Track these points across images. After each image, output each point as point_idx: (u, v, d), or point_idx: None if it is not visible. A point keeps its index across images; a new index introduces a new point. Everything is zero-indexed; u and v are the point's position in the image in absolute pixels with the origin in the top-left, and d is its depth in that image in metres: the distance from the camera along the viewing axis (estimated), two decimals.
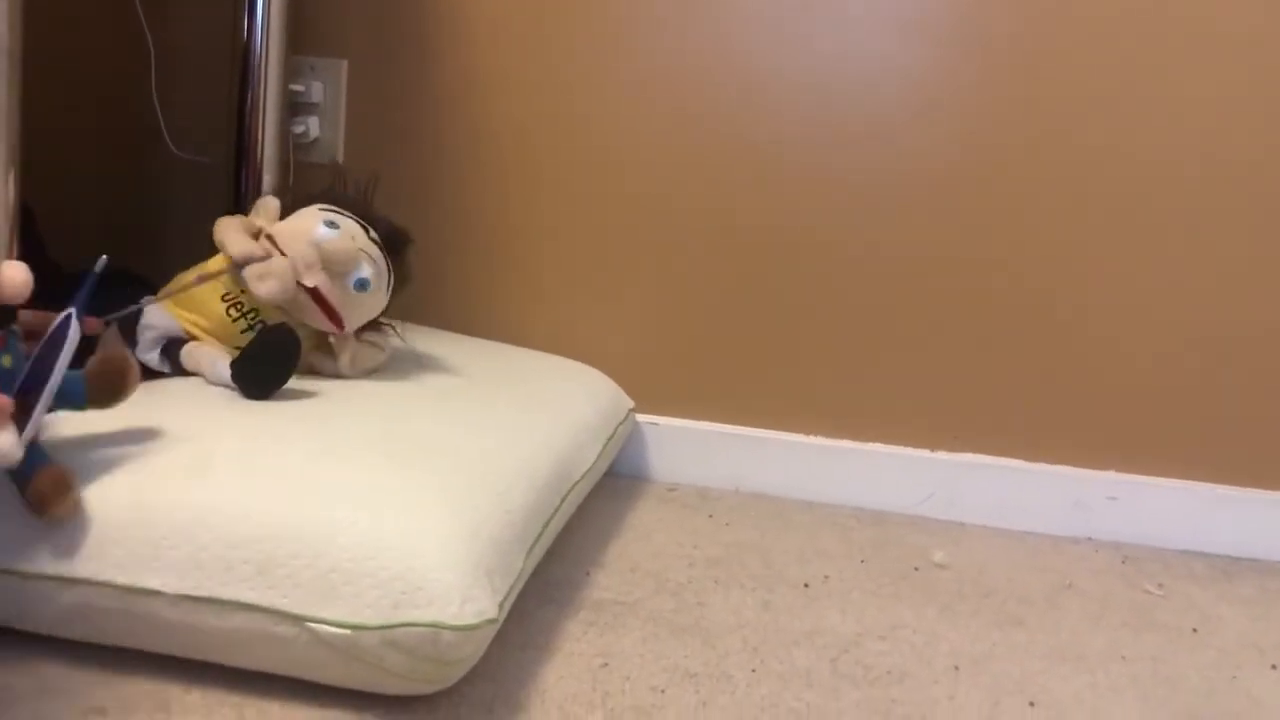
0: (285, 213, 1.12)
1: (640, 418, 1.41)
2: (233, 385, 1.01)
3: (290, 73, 1.38)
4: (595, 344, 1.42)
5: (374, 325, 1.15)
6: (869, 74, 1.33)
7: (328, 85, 1.45)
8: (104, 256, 0.84)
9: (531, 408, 1.15)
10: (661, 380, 1.42)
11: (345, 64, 1.44)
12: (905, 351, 1.37)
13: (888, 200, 1.34)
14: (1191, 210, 1.29)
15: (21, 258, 0.84)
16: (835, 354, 1.38)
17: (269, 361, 1.01)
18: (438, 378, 1.17)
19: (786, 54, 1.34)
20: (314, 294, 1.05)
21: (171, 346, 1.08)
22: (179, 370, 1.06)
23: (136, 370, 0.85)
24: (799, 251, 1.37)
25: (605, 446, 1.23)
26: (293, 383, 1.03)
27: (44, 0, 0.96)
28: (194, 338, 1.07)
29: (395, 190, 1.25)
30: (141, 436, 0.89)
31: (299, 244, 1.05)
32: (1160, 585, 1.22)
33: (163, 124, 1.41)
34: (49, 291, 0.82)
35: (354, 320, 1.11)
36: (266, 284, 1.02)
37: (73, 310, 0.81)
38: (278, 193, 1.20)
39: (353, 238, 1.07)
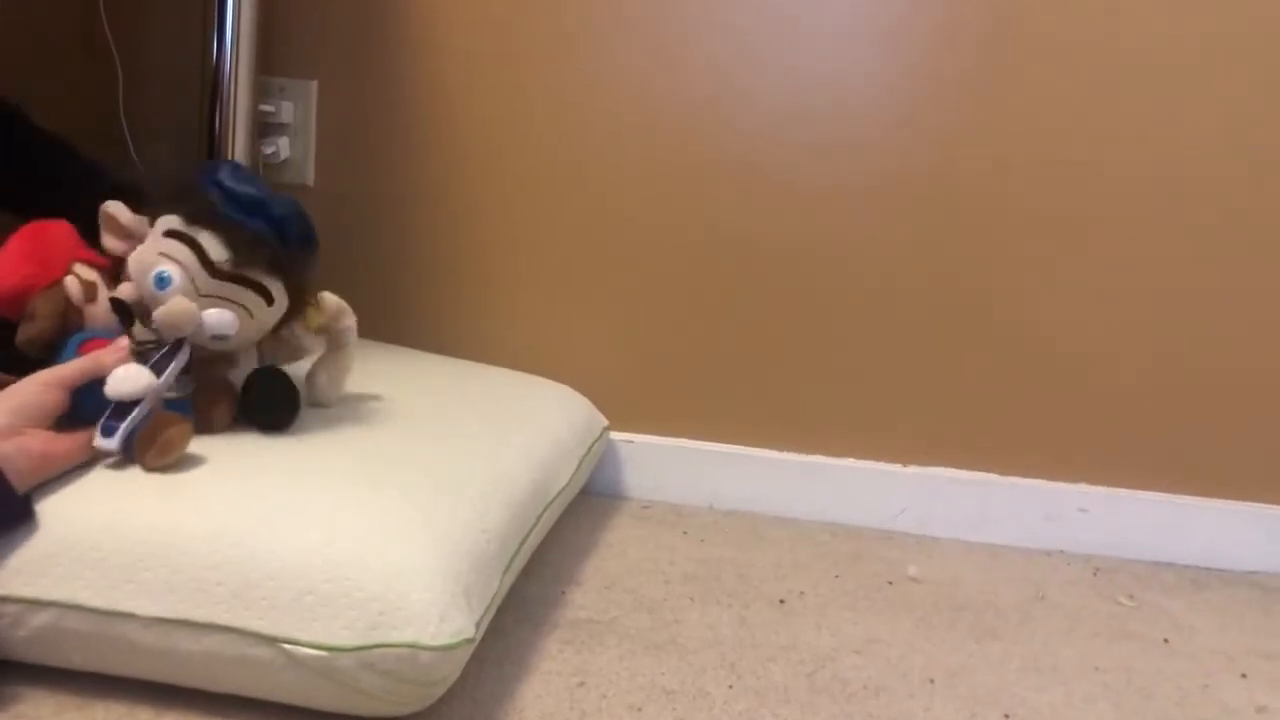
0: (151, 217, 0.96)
1: (615, 435, 1.41)
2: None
3: (260, 93, 1.37)
4: (569, 362, 1.42)
5: (287, 327, 1.01)
6: (841, 88, 1.34)
7: (298, 106, 1.44)
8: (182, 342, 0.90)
9: (506, 426, 1.15)
10: (636, 398, 1.42)
11: (315, 84, 1.44)
12: (878, 367, 1.38)
13: (860, 216, 1.35)
14: (1160, 224, 1.31)
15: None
16: (808, 370, 1.39)
17: (273, 405, 0.98)
18: (412, 397, 1.17)
19: (760, 68, 1.35)
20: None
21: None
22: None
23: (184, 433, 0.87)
24: (771, 268, 1.38)
25: (580, 465, 1.23)
26: None
27: (9, 22, 0.95)
28: None
29: (366, 210, 1.24)
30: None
31: (147, 299, 0.92)
32: (1131, 596, 1.23)
33: (130, 145, 1.40)
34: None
35: (238, 348, 0.98)
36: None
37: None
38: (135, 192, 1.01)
39: (190, 278, 0.90)
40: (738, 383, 1.40)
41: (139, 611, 0.77)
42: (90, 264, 0.92)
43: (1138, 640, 1.11)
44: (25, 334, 0.90)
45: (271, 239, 0.92)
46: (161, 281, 0.89)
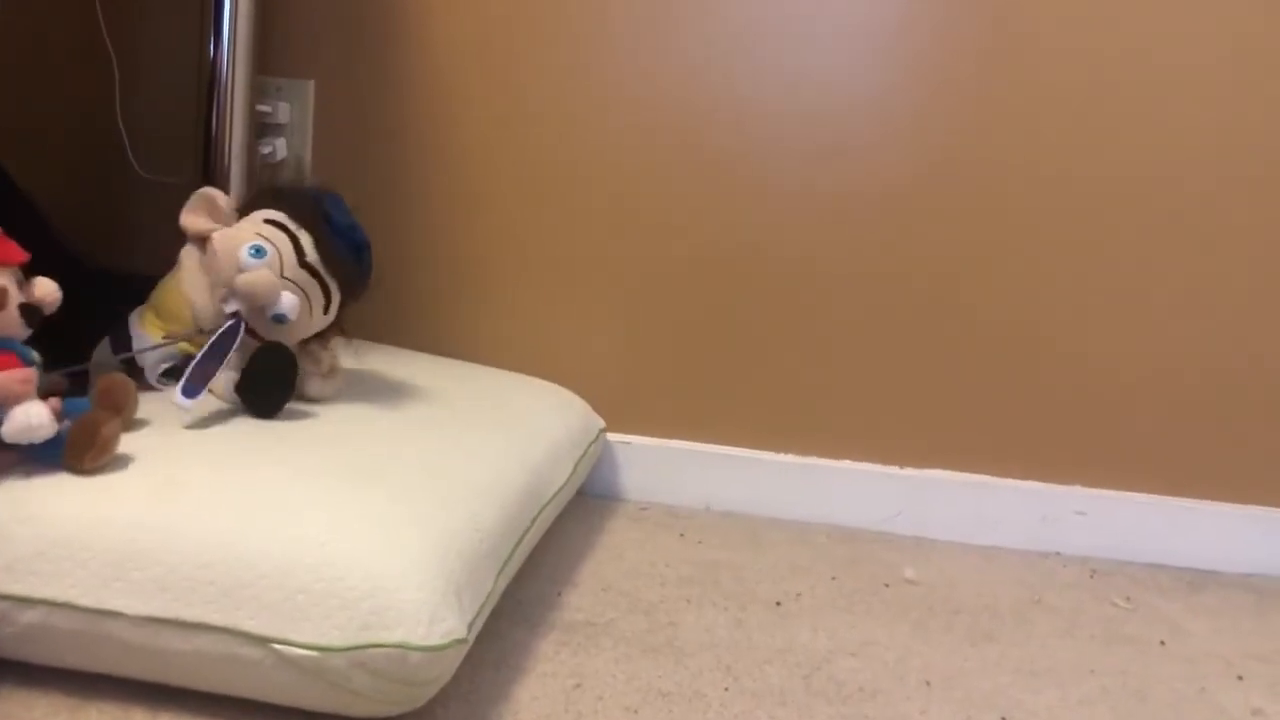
0: (244, 203, 1.10)
1: (611, 437, 1.41)
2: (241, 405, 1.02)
3: (257, 93, 1.37)
4: (566, 363, 1.41)
5: (320, 341, 1.11)
6: (841, 93, 1.34)
7: (294, 106, 1.44)
8: (240, 320, 1.02)
9: (502, 427, 1.15)
10: (632, 399, 1.42)
11: (312, 84, 1.44)
12: (874, 368, 1.38)
13: (856, 219, 1.35)
14: (1155, 226, 1.31)
15: (30, 247, 0.89)
16: (804, 372, 1.39)
17: (269, 381, 1.02)
18: (407, 398, 1.17)
19: (756, 74, 1.34)
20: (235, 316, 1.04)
21: (176, 368, 1.07)
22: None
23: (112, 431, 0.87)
24: (767, 270, 1.37)
25: (576, 466, 1.23)
26: None
27: (6, 22, 0.95)
28: (190, 354, 1.05)
29: (362, 210, 1.24)
30: None
31: (226, 267, 1.03)
32: (1128, 598, 1.23)
33: (128, 145, 1.40)
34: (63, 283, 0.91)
35: (283, 340, 1.06)
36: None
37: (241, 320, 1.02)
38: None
39: (280, 260, 1.03)
40: (734, 384, 1.40)
41: (128, 610, 0.77)
42: (3, 263, 0.87)
43: (1134, 643, 1.11)
44: None
45: (352, 261, 1.08)
46: (258, 252, 1.02)
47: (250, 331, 1.04)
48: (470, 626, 0.82)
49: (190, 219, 1.08)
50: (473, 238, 1.43)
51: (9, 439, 0.82)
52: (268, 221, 1.05)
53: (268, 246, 1.03)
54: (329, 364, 1.10)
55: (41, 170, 1.41)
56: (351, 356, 1.20)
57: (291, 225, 1.05)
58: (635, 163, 1.38)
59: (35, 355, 0.88)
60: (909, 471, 1.38)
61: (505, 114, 1.40)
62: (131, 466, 0.86)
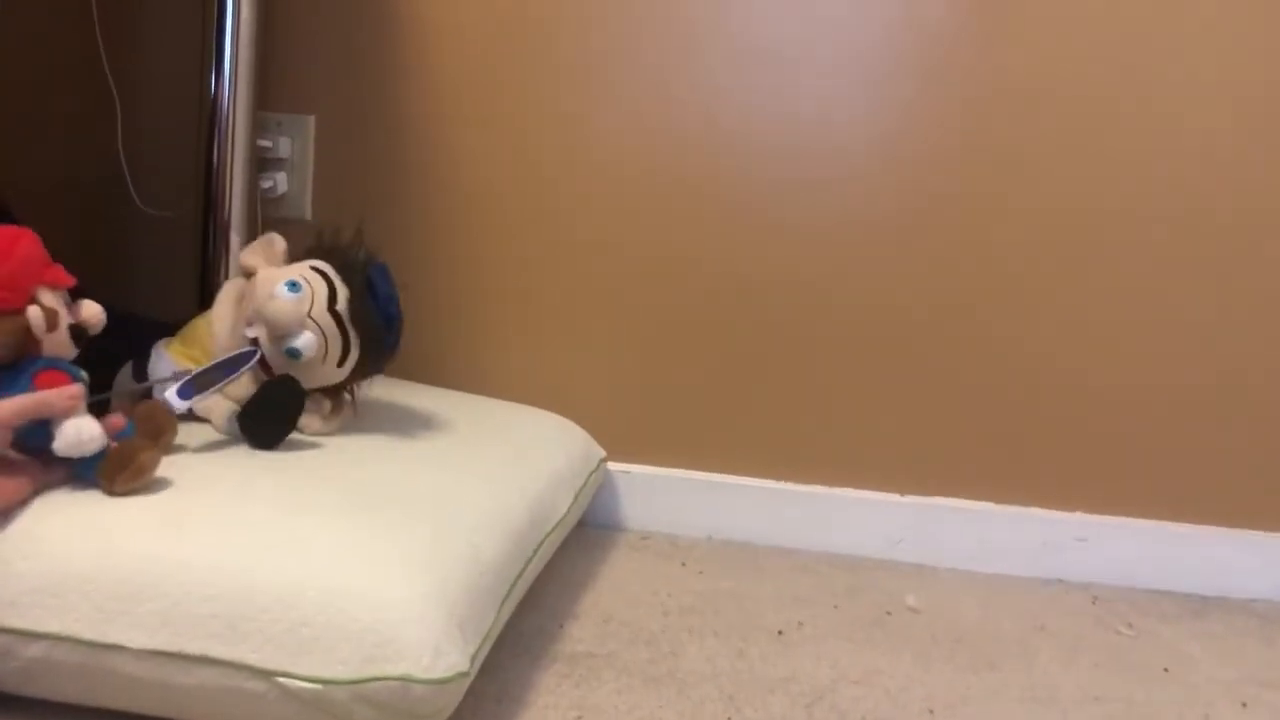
0: (297, 250, 1.14)
1: (612, 466, 1.41)
2: (240, 436, 1.03)
3: (257, 128, 1.38)
4: (565, 393, 1.42)
5: (326, 393, 1.12)
6: (837, 124, 1.35)
7: (295, 141, 1.45)
8: (257, 348, 1.05)
9: (503, 458, 1.15)
10: (632, 429, 1.42)
11: (312, 119, 1.45)
12: (874, 396, 1.38)
13: (855, 247, 1.36)
14: (1153, 254, 1.32)
15: None
16: (805, 400, 1.39)
17: (272, 413, 1.04)
18: (408, 429, 1.17)
19: (750, 105, 1.35)
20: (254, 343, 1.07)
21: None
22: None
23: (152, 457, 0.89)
24: (767, 298, 1.38)
25: (577, 496, 1.23)
26: None
27: (10, 57, 0.96)
28: None
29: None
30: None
31: (261, 294, 1.06)
32: (1131, 625, 1.22)
33: (129, 180, 1.41)
34: None
35: (301, 372, 1.08)
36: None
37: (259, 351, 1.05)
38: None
39: (312, 299, 1.06)
40: (735, 413, 1.40)
41: (131, 644, 0.77)
42: (54, 285, 0.90)
43: (1137, 670, 1.11)
44: None
45: (381, 327, 1.10)
46: (293, 287, 1.06)
47: (264, 364, 1.07)
48: (473, 659, 0.82)
49: (248, 256, 1.12)
50: (473, 269, 1.44)
51: (61, 452, 0.85)
52: (313, 268, 1.09)
53: (304, 285, 1.06)
54: (330, 407, 1.11)
55: (44, 204, 1.42)
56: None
57: (334, 276, 1.09)
58: (634, 194, 1.39)
59: (84, 374, 0.91)
60: (910, 499, 1.38)
61: (503, 148, 1.41)
62: (135, 499, 0.86)
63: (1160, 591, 1.34)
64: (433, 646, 0.77)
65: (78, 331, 0.91)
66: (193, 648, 0.77)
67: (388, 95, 1.43)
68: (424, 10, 1.41)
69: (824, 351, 1.38)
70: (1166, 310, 1.32)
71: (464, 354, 1.45)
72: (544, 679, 0.98)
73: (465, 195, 1.43)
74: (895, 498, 1.38)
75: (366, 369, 1.13)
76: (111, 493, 0.86)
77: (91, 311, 0.93)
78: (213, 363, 1.04)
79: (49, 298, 0.89)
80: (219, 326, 1.11)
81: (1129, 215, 1.31)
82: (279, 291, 1.05)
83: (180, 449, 0.99)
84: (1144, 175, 1.31)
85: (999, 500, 1.37)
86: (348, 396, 1.14)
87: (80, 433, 0.85)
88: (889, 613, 1.20)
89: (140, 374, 1.11)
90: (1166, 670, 1.11)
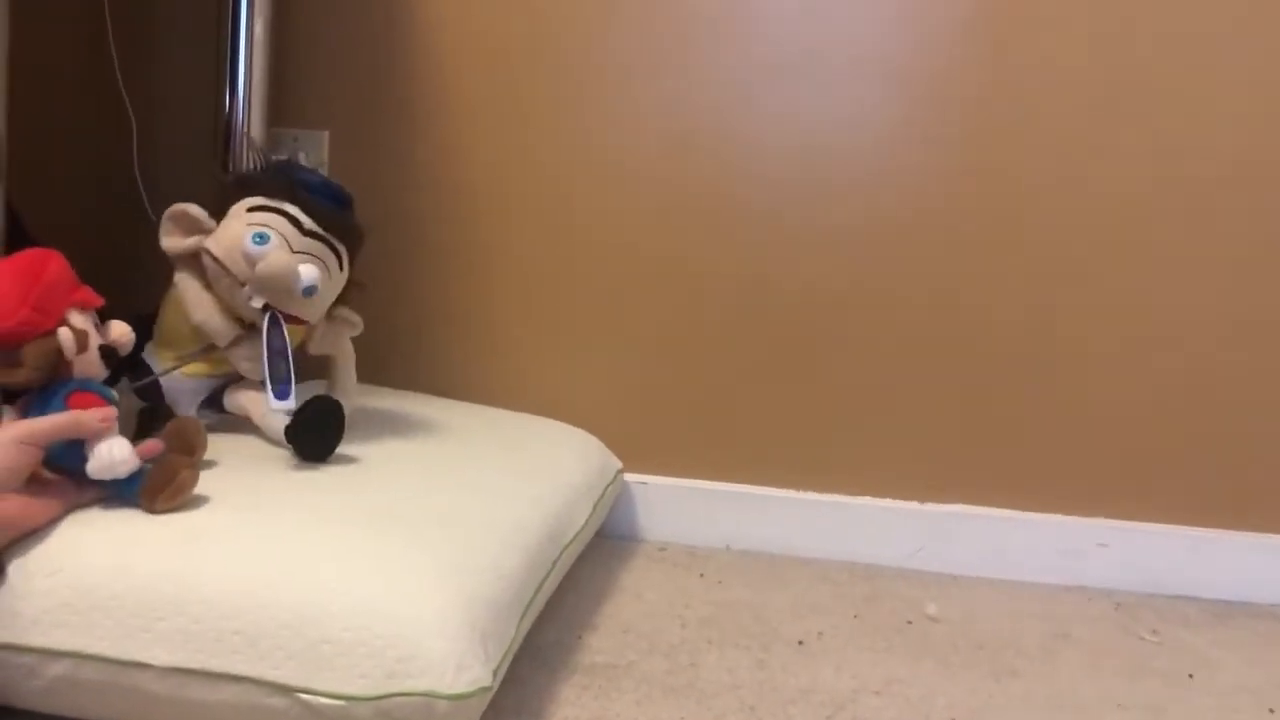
0: (216, 206, 1.09)
1: (629, 477, 1.41)
2: (285, 443, 1.04)
3: (272, 144, 1.39)
4: (582, 405, 1.42)
5: (341, 298, 1.14)
6: (847, 128, 1.35)
7: (310, 157, 1.46)
8: (273, 311, 1.05)
9: (520, 471, 1.15)
10: (649, 439, 1.42)
11: (326, 135, 1.46)
12: (892, 404, 1.37)
13: (870, 253, 1.36)
14: (1174, 255, 1.31)
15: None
16: (822, 408, 1.39)
17: (322, 429, 1.04)
18: (425, 443, 1.17)
19: (768, 110, 1.36)
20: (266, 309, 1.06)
21: (212, 399, 1.10)
22: (225, 412, 1.11)
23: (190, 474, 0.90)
24: (782, 307, 1.38)
25: (595, 508, 1.23)
26: (282, 455, 1.03)
27: (25, 79, 0.97)
28: (211, 375, 1.10)
29: (377, 258, 1.25)
30: (130, 504, 0.88)
31: (237, 265, 1.04)
32: (1154, 631, 1.22)
33: (145, 199, 1.42)
34: None
35: (317, 311, 1.10)
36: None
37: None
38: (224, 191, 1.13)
39: (285, 239, 1.05)
40: (751, 422, 1.40)
41: (155, 661, 0.77)
42: (84, 305, 0.91)
43: (1162, 676, 1.10)
44: (8, 380, 0.88)
45: (340, 212, 1.10)
46: (261, 239, 1.03)
47: (290, 318, 1.06)
48: (495, 673, 0.82)
49: (170, 241, 1.08)
50: (488, 282, 1.44)
51: (94, 475, 0.85)
52: (251, 209, 1.06)
53: (267, 230, 1.04)
54: (358, 321, 1.15)
55: (61, 224, 1.43)
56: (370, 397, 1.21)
57: (274, 203, 1.06)
58: (650, 205, 1.39)
59: (115, 394, 0.91)
60: (929, 507, 1.37)
61: (516, 161, 1.42)
62: (155, 516, 0.87)
63: (1184, 597, 1.33)
64: (455, 661, 0.77)
65: (108, 352, 0.92)
66: (215, 665, 0.77)
67: (401, 111, 1.44)
68: (437, 26, 1.41)
69: (841, 359, 1.38)
70: (1188, 314, 1.32)
71: (480, 366, 1.45)
72: (563, 691, 0.98)
73: (479, 208, 1.43)
74: (914, 505, 1.38)
75: (357, 248, 1.13)
76: (153, 511, 0.87)
77: (120, 332, 0.94)
78: (265, 359, 1.03)
79: (79, 319, 0.89)
80: (210, 320, 1.07)
81: (1152, 218, 1.31)
82: (253, 250, 1.03)
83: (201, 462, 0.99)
84: (1169, 176, 1.30)
85: (1019, 507, 1.36)
86: (358, 287, 1.15)
87: (113, 454, 0.85)
88: (910, 621, 1.20)
89: (145, 384, 1.09)
90: (1191, 677, 1.10)
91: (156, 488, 0.87)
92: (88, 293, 0.91)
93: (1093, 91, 1.30)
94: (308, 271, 1.05)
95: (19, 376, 0.87)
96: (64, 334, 0.87)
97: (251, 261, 1.03)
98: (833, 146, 1.35)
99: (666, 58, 1.37)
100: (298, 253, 1.05)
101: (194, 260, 1.08)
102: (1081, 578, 1.35)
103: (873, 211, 1.35)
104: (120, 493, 0.87)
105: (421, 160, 1.44)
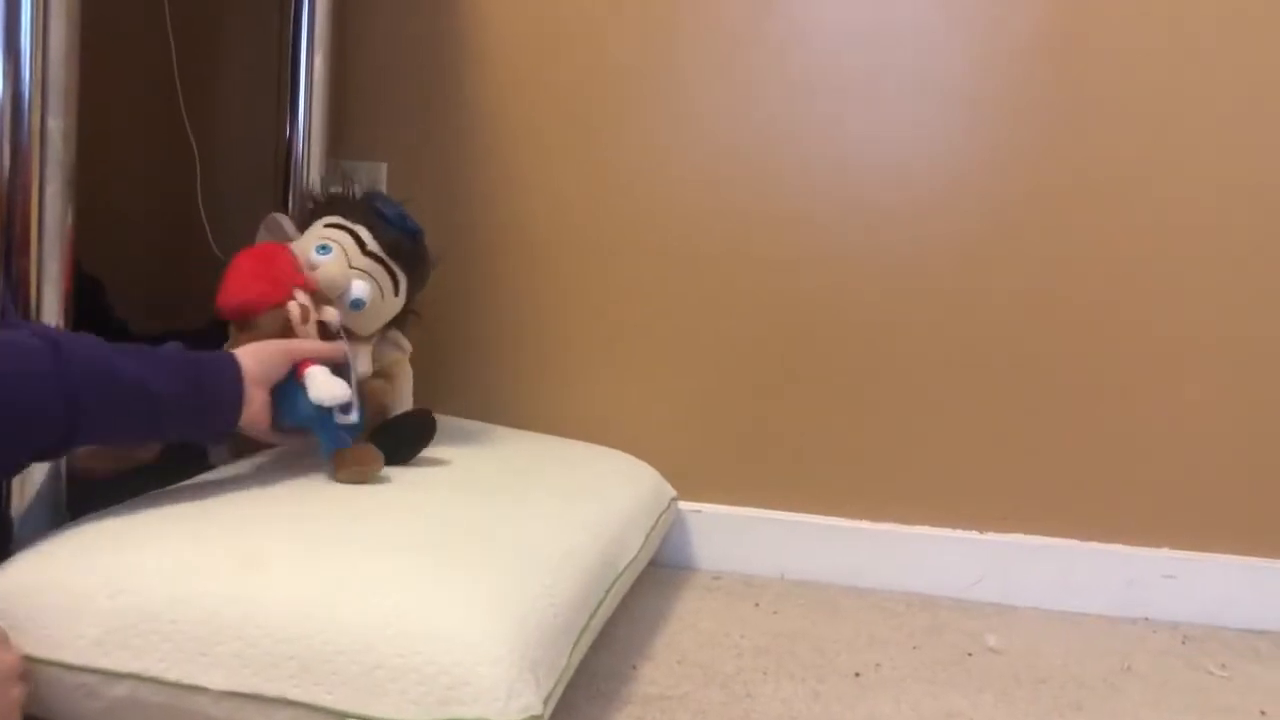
0: (304, 220, 1.23)
1: (683, 505, 1.41)
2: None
3: (332, 176, 1.41)
4: (636, 432, 1.42)
5: (395, 323, 1.23)
6: (907, 150, 1.34)
7: (368, 188, 1.48)
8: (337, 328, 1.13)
9: (574, 498, 1.15)
10: (703, 467, 1.41)
11: (385, 166, 1.48)
12: (951, 432, 1.36)
13: (929, 278, 1.35)
14: (1237, 283, 1.29)
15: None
16: (879, 436, 1.37)
17: (410, 438, 1.14)
18: (479, 470, 1.18)
19: (824, 132, 1.36)
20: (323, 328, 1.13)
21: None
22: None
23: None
24: (839, 333, 1.37)
25: (649, 536, 1.23)
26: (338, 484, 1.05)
27: (93, 114, 0.99)
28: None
29: (435, 286, 1.27)
30: (191, 528, 0.89)
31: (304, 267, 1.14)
32: (1223, 665, 1.18)
33: (208, 229, 1.45)
34: None
35: (365, 326, 1.19)
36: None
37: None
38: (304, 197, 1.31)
39: (345, 254, 1.14)
40: (807, 450, 1.39)
41: (212, 685, 0.78)
42: (307, 288, 1.09)
43: (1231, 713, 1.07)
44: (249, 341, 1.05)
45: (408, 244, 1.20)
46: (324, 249, 1.14)
47: (343, 333, 1.14)
48: (546, 701, 0.81)
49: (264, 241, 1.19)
50: (542, 311, 1.45)
51: (315, 400, 1.01)
52: (327, 225, 1.17)
53: (330, 243, 1.14)
54: (406, 345, 1.25)
55: (124, 255, 1.47)
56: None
57: (348, 223, 1.17)
58: (703, 230, 1.39)
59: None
60: (989, 536, 1.35)
61: (573, 188, 1.43)
62: (215, 539, 0.88)
63: (1254, 630, 1.29)
64: (507, 688, 0.77)
65: (323, 327, 1.09)
66: (270, 689, 0.77)
67: (459, 141, 1.46)
68: (494, 58, 1.43)
69: (897, 385, 1.36)
70: (1255, 341, 1.29)
71: (534, 394, 1.46)
72: None
73: (534, 237, 1.44)
74: (974, 535, 1.36)
75: (418, 284, 1.23)
76: (336, 478, 1.03)
77: (331, 315, 1.10)
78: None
79: (303, 297, 1.08)
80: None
81: (1216, 242, 1.29)
82: (315, 258, 1.13)
83: (259, 485, 1.01)
84: (1235, 197, 1.28)
85: (1081, 536, 1.34)
86: (414, 316, 1.26)
87: (328, 375, 1.02)
88: (970, 653, 1.18)
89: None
90: (1264, 714, 1.07)
91: (352, 460, 1.03)
92: (308, 279, 1.10)
93: (1153, 120, 1.28)
94: (358, 286, 1.14)
95: (256, 339, 1.04)
96: (292, 306, 1.07)
97: (312, 268, 1.13)
98: (895, 169, 1.35)
99: (732, 87, 1.37)
100: (354, 268, 1.14)
101: None
102: (1147, 609, 1.32)
103: (932, 237, 1.34)
104: (331, 438, 1.03)
105: (478, 190, 1.46)
